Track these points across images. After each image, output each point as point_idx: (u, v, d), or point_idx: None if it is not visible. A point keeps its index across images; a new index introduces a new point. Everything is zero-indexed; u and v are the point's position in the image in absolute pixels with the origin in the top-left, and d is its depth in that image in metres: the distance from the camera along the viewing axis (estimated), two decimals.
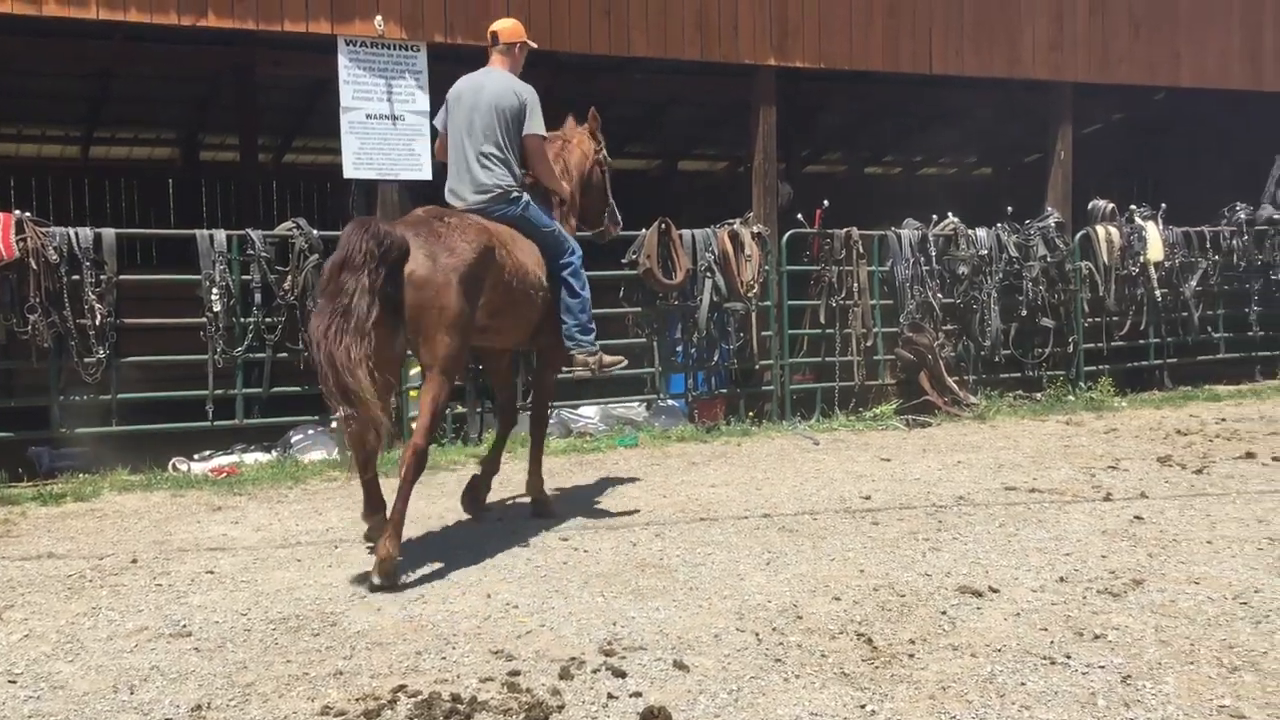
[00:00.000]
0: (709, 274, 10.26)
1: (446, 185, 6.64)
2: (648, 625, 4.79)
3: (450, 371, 5.84)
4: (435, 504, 7.33)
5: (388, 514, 5.70)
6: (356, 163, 9.42)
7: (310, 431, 9.44)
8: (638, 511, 6.98)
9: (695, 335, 10.37)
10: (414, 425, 6.15)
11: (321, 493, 7.87)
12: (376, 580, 5.36)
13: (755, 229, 10.58)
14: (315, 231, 9.23)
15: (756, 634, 4.65)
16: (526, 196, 6.56)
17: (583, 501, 7.32)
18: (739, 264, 10.38)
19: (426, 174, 9.60)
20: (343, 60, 9.32)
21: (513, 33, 6.82)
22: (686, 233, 10.30)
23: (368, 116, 9.40)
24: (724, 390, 10.73)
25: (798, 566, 5.65)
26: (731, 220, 10.67)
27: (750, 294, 10.41)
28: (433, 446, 9.15)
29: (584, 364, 6.75)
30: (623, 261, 10.17)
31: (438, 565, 5.80)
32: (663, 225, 10.11)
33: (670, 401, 10.63)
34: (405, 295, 5.57)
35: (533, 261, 6.45)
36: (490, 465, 7.06)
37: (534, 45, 7.09)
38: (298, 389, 9.30)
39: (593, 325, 6.76)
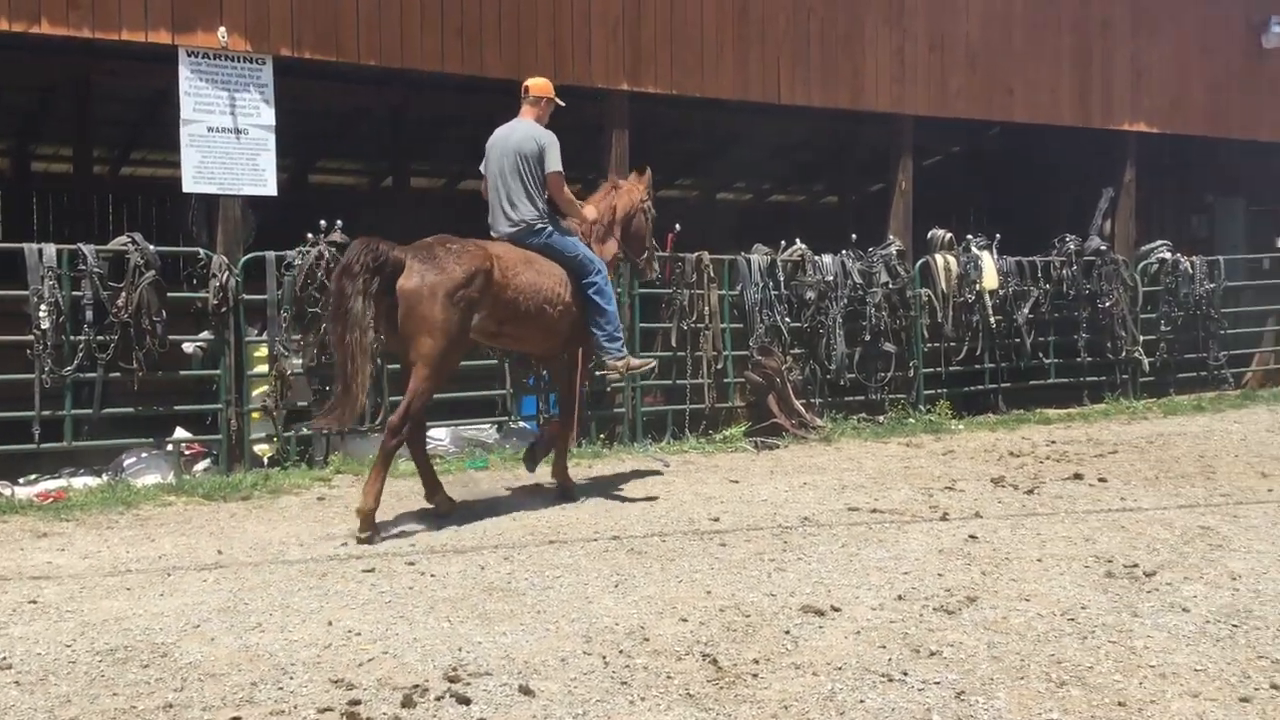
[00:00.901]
0: None
1: (489, 218, 7.87)
2: (494, 650, 4.74)
3: (431, 369, 6.95)
4: (276, 529, 7.12)
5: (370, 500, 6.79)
6: (197, 177, 9.13)
7: (144, 455, 9.09)
8: (486, 534, 6.91)
9: None
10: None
11: (155, 518, 7.57)
12: (359, 534, 6.68)
13: None
14: (151, 247, 8.90)
15: (604, 657, 4.64)
16: (550, 227, 7.73)
17: (430, 525, 7.20)
18: None
19: (270, 189, 9.37)
20: (184, 71, 9.03)
21: (542, 89, 8.00)
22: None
23: (209, 130, 9.12)
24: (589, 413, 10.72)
25: (646, 588, 5.68)
26: None
27: None
28: (276, 470, 8.97)
29: (613, 368, 8.01)
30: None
31: (277, 592, 5.64)
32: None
33: (522, 424, 10.58)
34: (400, 306, 6.85)
35: (553, 281, 7.63)
36: (559, 472, 8.27)
37: (561, 104, 8.14)
38: (131, 410, 8.95)
39: (620, 335, 7.97)
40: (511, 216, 7.71)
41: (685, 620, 5.14)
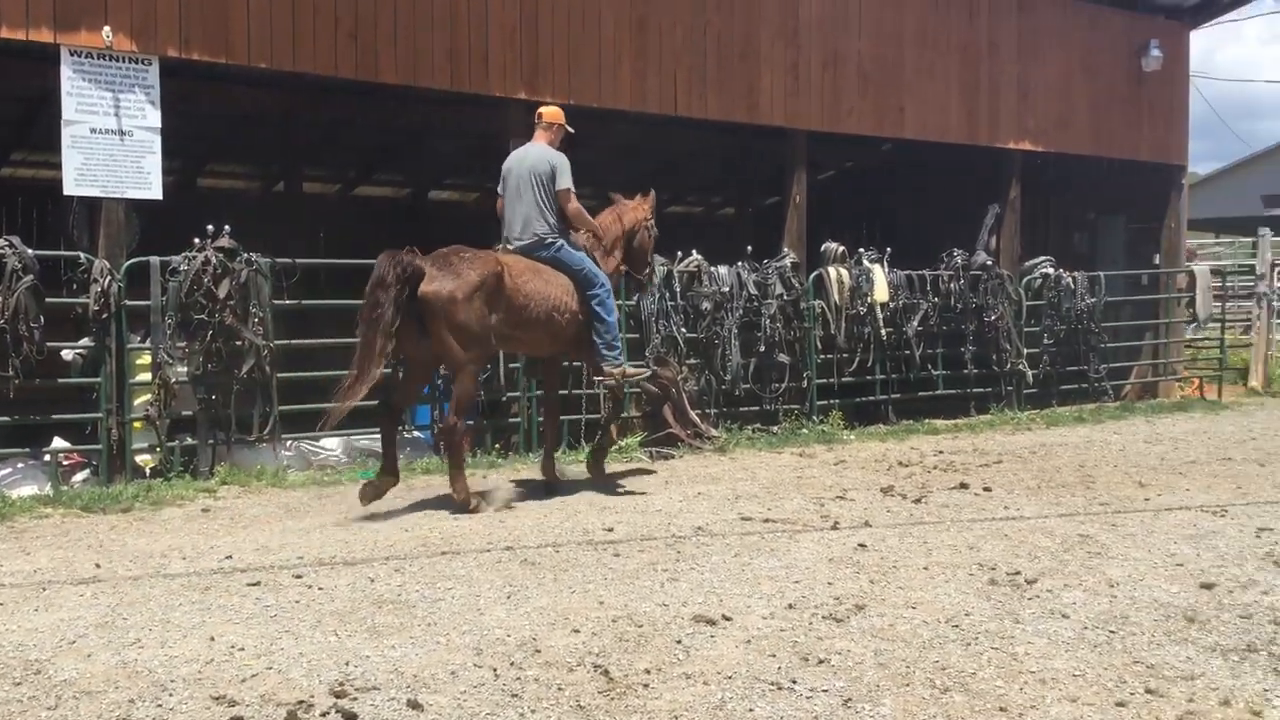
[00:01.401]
0: None
1: (504, 232, 8.60)
2: (383, 664, 4.67)
3: (466, 365, 7.87)
4: (158, 542, 6.92)
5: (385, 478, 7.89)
6: (79, 179, 8.86)
7: (20, 465, 8.78)
8: (377, 546, 6.81)
9: (442, 367, 10.23)
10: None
11: (30, 531, 7.30)
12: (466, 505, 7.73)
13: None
14: (30, 250, 8.60)
15: (494, 669, 4.60)
16: (560, 242, 8.45)
17: (320, 537, 7.07)
18: None
19: (155, 192, 9.14)
20: (66, 71, 8.76)
21: (554, 116, 8.77)
22: None
23: (93, 131, 8.86)
24: (470, 423, 10.62)
25: (539, 599, 5.64)
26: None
27: None
28: (159, 481, 8.73)
29: (610, 374, 8.65)
30: (367, 292, 9.92)
31: (158, 607, 5.48)
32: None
33: (416, 433, 10.46)
34: (422, 309, 7.61)
35: (559, 290, 8.36)
36: (547, 462, 8.97)
37: (570, 130, 8.81)
38: (6, 419, 8.63)
39: (618, 344, 8.74)
40: (525, 231, 8.42)
41: (578, 631, 5.12)
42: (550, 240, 8.43)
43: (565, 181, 8.44)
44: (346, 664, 4.67)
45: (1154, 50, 15.57)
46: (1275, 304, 18.05)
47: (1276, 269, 18.68)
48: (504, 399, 10.69)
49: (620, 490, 8.81)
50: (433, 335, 7.74)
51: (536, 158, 8.49)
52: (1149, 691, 4.48)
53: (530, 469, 9.78)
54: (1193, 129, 16.85)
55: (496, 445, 10.48)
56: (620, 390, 9.33)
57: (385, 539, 7.00)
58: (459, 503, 7.80)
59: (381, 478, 7.95)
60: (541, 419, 9.88)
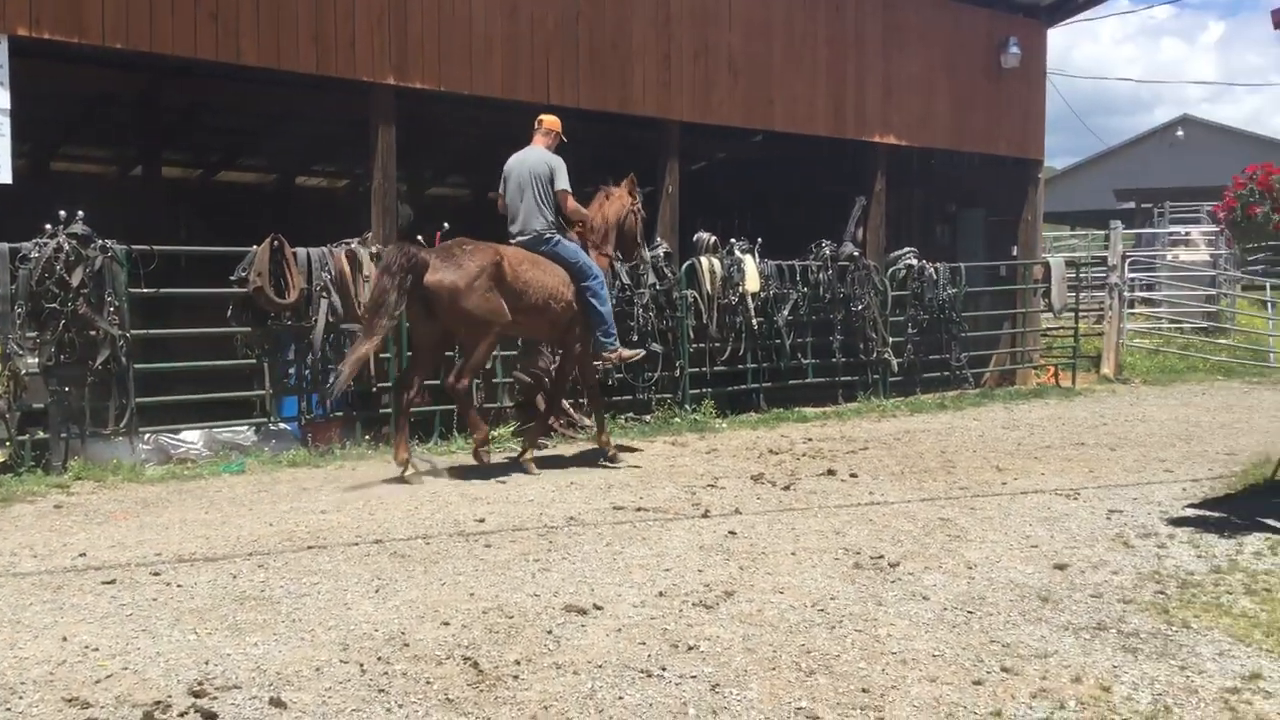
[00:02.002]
0: (325, 294, 9.98)
1: (508, 228, 9.32)
2: (244, 662, 4.56)
3: (477, 342, 8.76)
4: (8, 539, 6.64)
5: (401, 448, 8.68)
6: None
7: None
8: (240, 541, 6.65)
9: (310, 357, 10.04)
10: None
11: None
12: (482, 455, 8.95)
13: (374, 249, 10.40)
14: None
15: (361, 664, 4.54)
16: (557, 236, 9.23)
17: (181, 533, 6.87)
18: (356, 285, 10.16)
19: (4, 177, 8.76)
20: None
21: (553, 124, 9.52)
22: (301, 251, 9.96)
23: None
24: (340, 413, 10.44)
25: (408, 593, 5.58)
26: (350, 240, 10.43)
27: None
28: (9, 476, 8.38)
29: (607, 359, 9.67)
30: (231, 279, 9.69)
31: (7, 607, 5.25)
32: (275, 242, 9.73)
33: (282, 425, 10.22)
34: (429, 296, 8.46)
35: (556, 281, 9.14)
36: (537, 428, 9.89)
37: (565, 139, 9.58)
38: None
39: (613, 330, 9.53)
40: (526, 227, 9.19)
41: (447, 624, 5.08)
42: (548, 236, 9.18)
43: (563, 183, 9.20)
44: (206, 663, 4.55)
45: (1012, 48, 16.07)
46: (1126, 294, 18.86)
47: (1127, 260, 19.52)
48: (374, 389, 10.52)
49: (493, 480, 8.76)
50: (441, 321, 8.64)
51: (536, 160, 9.23)
52: (1005, 670, 4.65)
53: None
54: (1050, 125, 17.47)
55: (367, 437, 10.31)
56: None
57: (249, 534, 6.84)
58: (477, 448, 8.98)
59: (398, 452, 8.70)
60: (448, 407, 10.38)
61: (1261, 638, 5.11)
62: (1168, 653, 4.89)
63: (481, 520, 7.29)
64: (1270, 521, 7.39)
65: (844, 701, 4.28)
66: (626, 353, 9.87)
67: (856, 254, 14.32)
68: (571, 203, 9.34)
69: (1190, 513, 7.82)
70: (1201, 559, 6.53)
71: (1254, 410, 13.79)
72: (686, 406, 12.43)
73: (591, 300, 9.30)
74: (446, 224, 11.30)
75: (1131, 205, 31.75)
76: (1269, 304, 21.63)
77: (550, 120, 9.57)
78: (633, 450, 10.32)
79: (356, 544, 6.60)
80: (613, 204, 9.93)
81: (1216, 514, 7.73)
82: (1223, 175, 7.24)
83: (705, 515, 7.53)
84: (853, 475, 9.11)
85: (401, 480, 8.50)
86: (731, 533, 6.98)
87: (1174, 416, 13.19)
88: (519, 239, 9.23)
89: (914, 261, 15.03)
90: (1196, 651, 4.91)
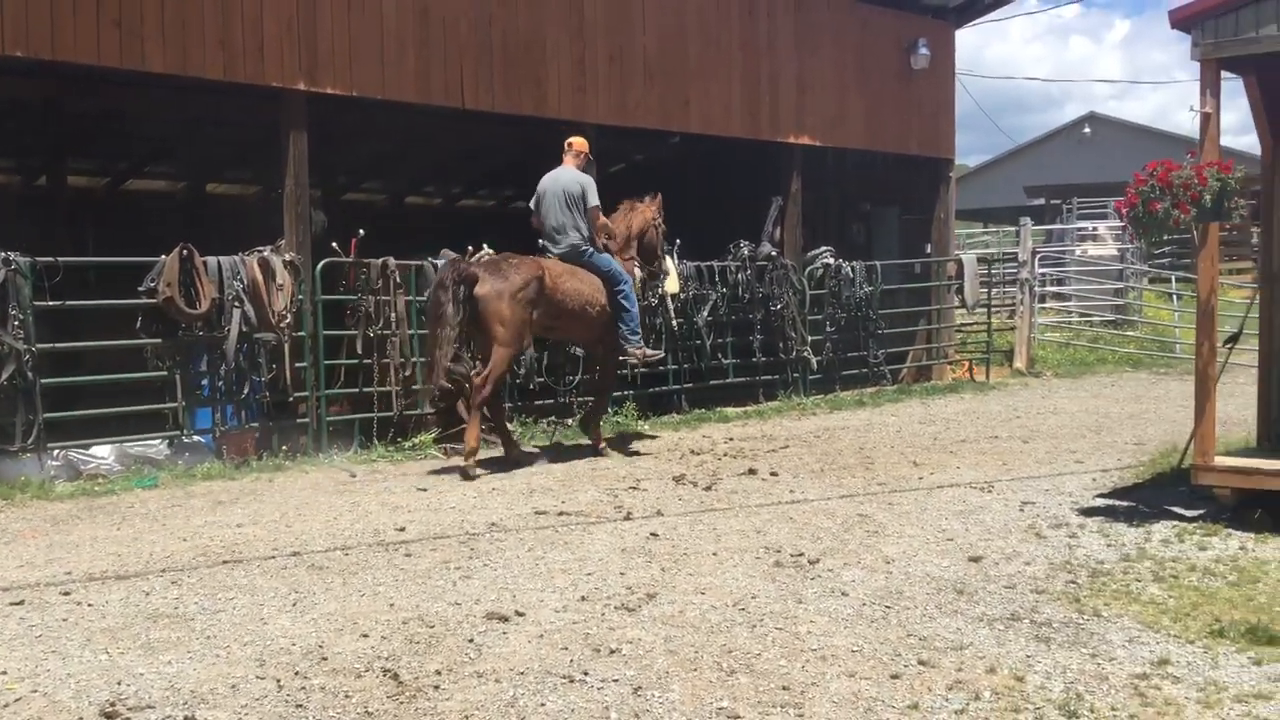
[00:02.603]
0: (237, 303, 9.81)
1: (540, 242, 10.21)
2: (158, 681, 4.48)
3: (505, 349, 9.45)
4: None
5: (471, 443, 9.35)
6: None
7: None
8: (153, 558, 6.51)
9: (223, 367, 9.86)
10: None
11: None
12: (463, 464, 9.22)
13: (287, 257, 10.25)
14: None
15: (278, 680, 4.48)
16: (590, 248, 10.09)
17: (92, 551, 6.71)
18: (270, 293, 10.01)
19: None
20: None
21: (582, 146, 10.44)
22: (212, 260, 9.78)
23: None
24: (255, 424, 10.27)
25: (326, 605, 5.52)
26: (262, 248, 10.27)
27: (283, 324, 10.05)
28: None
29: (632, 355, 10.39)
30: (139, 290, 9.48)
31: None
32: (185, 251, 9.54)
33: (196, 437, 10.02)
34: (475, 306, 9.27)
35: (592, 288, 10.01)
36: (591, 427, 10.68)
37: (591, 159, 10.64)
38: None
39: (639, 330, 10.40)
40: (562, 241, 10.00)
41: (366, 636, 5.03)
42: (584, 249, 10.04)
43: (594, 200, 10.07)
44: (119, 683, 4.46)
45: (922, 48, 16.31)
46: (1037, 289, 19.26)
47: (1037, 256, 19.94)
48: (290, 399, 10.36)
49: (413, 488, 8.68)
50: (482, 326, 9.37)
51: (569, 180, 10.07)
52: (921, 663, 4.72)
53: (320, 470, 9.53)
54: (962, 123, 17.85)
55: (284, 447, 10.14)
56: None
57: (162, 550, 6.70)
58: (466, 453, 9.35)
59: (466, 447, 9.36)
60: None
61: (1169, 624, 5.26)
62: (1079, 641, 5.01)
63: (402, 529, 7.22)
64: (1177, 510, 7.61)
65: (765, 700, 4.32)
66: (650, 351, 10.78)
67: (774, 254, 14.43)
68: (601, 218, 10.22)
69: (1100, 503, 8.01)
70: (1111, 548, 6.70)
71: (1161, 400, 14.17)
72: (609, 409, 12.41)
73: (623, 302, 10.18)
74: (362, 230, 11.20)
75: (1041, 202, 32.41)
76: (1174, 296, 22.24)
77: (579, 142, 10.43)
78: (651, 436, 11.51)
79: (273, 557, 6.50)
80: (637, 216, 10.82)
81: (1125, 503, 7.94)
82: (1129, 171, 7.40)
83: (627, 518, 7.55)
84: (774, 474, 9.19)
85: (465, 475, 9.06)
86: (653, 534, 7.01)
87: (1084, 408, 13.51)
88: (557, 251, 10.02)
89: (831, 260, 15.19)
90: (1107, 639, 5.04)
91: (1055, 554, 6.56)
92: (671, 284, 13.07)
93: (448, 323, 9.18)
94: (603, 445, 10.44)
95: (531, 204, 10.36)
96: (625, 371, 12.04)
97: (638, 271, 11.33)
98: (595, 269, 10.12)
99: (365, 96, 11.20)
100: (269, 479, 9.17)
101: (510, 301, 9.33)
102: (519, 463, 9.77)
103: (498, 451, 10.30)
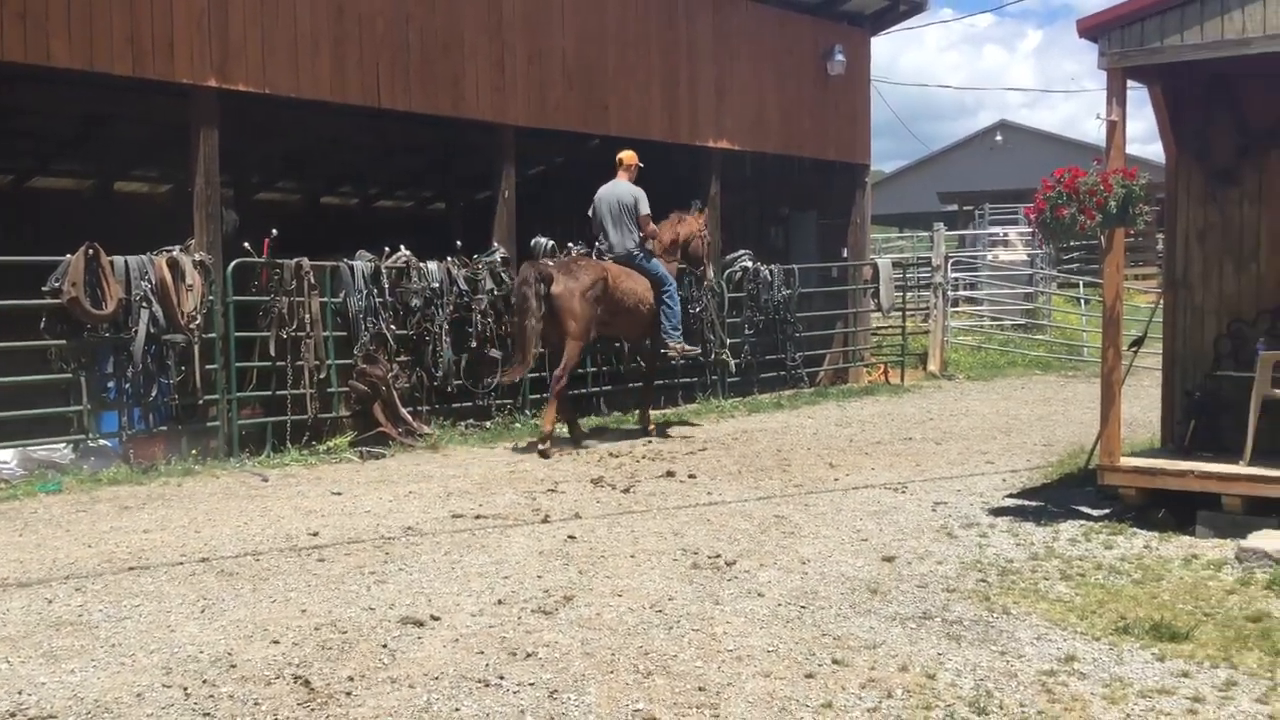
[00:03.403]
0: (145, 304, 9.58)
1: (597, 247, 11.51)
2: (61, 690, 4.36)
3: (577, 341, 10.68)
4: None
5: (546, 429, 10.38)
6: None
7: None
8: (56, 564, 6.33)
9: (130, 369, 9.62)
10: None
11: None
12: (541, 447, 10.26)
13: (197, 257, 10.04)
14: None
15: (185, 688, 4.38)
16: (642, 253, 11.35)
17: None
18: (179, 294, 9.79)
19: None
20: None
21: (630, 159, 11.62)
22: (119, 259, 9.54)
23: None
24: (164, 428, 10.03)
25: (236, 612, 5.41)
26: (171, 247, 10.05)
27: (192, 325, 9.84)
28: None
29: (673, 349, 11.57)
30: (44, 290, 9.21)
31: None
32: (90, 250, 9.29)
33: (102, 441, 9.77)
34: (551, 302, 10.46)
35: (643, 288, 11.27)
36: (642, 413, 12.20)
37: (641, 165, 11.69)
38: None
39: (680, 326, 11.61)
40: (619, 247, 11.26)
41: (277, 642, 4.94)
42: (637, 254, 11.29)
43: (645, 209, 11.28)
44: (20, 693, 4.33)
45: (838, 55, 16.49)
46: (950, 293, 19.59)
47: (950, 261, 20.29)
48: (200, 401, 10.14)
49: (328, 492, 8.56)
50: (557, 320, 10.48)
51: (624, 191, 11.30)
52: (835, 662, 4.77)
53: (231, 475, 9.35)
54: (878, 130, 18.26)
55: (194, 451, 9.93)
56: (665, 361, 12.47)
57: (66, 556, 6.52)
58: (542, 436, 10.41)
59: (543, 431, 10.44)
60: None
61: (1076, 621, 5.38)
62: (989, 639, 5.10)
63: (315, 534, 7.12)
64: (1084, 509, 7.78)
65: (681, 701, 4.33)
66: (689, 347, 11.91)
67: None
68: (651, 226, 11.42)
69: (1010, 503, 8.17)
70: (1020, 547, 6.84)
71: (1069, 403, 14.50)
72: (527, 412, 12.38)
73: (667, 301, 11.37)
74: (275, 230, 11.02)
75: (954, 207, 33.03)
76: (1082, 300, 22.79)
77: (629, 156, 11.61)
78: (690, 424, 12.58)
79: (181, 563, 6.36)
80: (684, 227, 12.02)
81: (1034, 503, 8.10)
82: (1039, 178, 7.55)
83: (545, 520, 7.52)
84: (691, 476, 9.22)
85: (543, 455, 10.10)
86: (571, 537, 6.99)
87: (995, 410, 13.77)
88: (613, 256, 11.22)
89: (749, 264, 15.28)
90: (1016, 637, 5.13)
91: (966, 553, 6.67)
92: None
93: (532, 314, 10.34)
94: (652, 428, 11.74)
95: (589, 213, 11.53)
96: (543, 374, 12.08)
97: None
98: (646, 272, 11.31)
99: (278, 95, 11.02)
100: (178, 484, 8.98)
101: (581, 299, 10.51)
102: (578, 443, 10.98)
103: (415, 455, 10.20)
